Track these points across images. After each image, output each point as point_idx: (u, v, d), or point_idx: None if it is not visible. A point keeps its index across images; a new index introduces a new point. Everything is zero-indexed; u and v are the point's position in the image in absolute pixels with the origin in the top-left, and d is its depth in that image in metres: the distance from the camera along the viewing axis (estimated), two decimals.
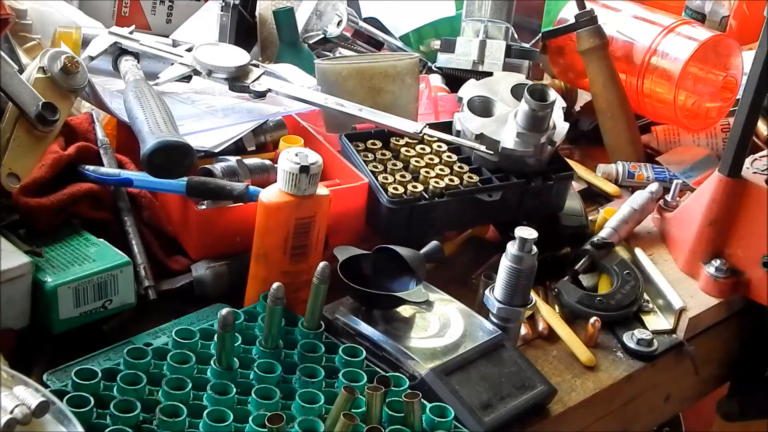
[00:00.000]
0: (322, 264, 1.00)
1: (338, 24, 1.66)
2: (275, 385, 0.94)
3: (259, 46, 1.63)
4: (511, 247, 1.07)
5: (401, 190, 1.19)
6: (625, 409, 1.19)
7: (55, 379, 0.94)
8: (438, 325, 1.07)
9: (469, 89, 1.30)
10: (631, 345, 1.18)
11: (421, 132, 1.23)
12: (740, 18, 1.92)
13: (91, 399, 0.86)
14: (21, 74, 1.07)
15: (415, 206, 1.19)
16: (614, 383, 1.14)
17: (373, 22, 1.75)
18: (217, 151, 1.21)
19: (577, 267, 1.27)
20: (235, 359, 0.95)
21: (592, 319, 1.18)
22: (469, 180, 1.24)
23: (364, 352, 1.01)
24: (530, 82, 1.31)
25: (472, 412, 0.97)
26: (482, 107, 1.28)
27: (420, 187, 1.20)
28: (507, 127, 1.25)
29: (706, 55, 1.58)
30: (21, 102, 1.02)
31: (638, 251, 1.32)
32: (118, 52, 1.32)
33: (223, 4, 1.55)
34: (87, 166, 1.14)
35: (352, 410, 0.88)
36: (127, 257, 1.04)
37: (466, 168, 1.26)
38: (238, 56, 1.31)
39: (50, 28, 1.35)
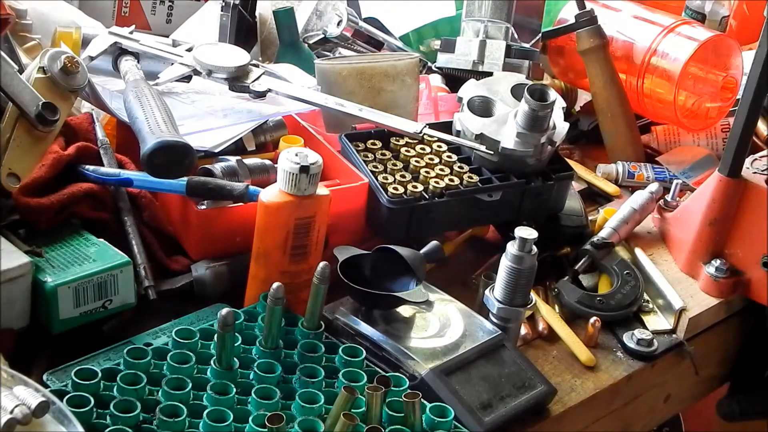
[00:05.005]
0: (322, 264, 1.00)
1: (338, 24, 1.66)
2: (275, 385, 0.94)
3: (259, 46, 1.63)
4: (511, 247, 1.07)
5: (401, 190, 1.19)
6: (625, 409, 1.19)
7: (55, 379, 0.94)
8: (438, 325, 1.07)
9: (469, 89, 1.30)
10: (631, 345, 1.18)
11: (421, 132, 1.23)
12: (740, 18, 1.92)
13: (91, 399, 0.86)
14: (21, 74, 1.07)
15: (415, 206, 1.19)
16: (614, 383, 1.14)
17: (373, 22, 1.75)
18: (217, 151, 1.21)
19: (577, 267, 1.27)
20: (235, 359, 0.95)
21: (592, 319, 1.18)
22: (469, 180, 1.24)
23: (364, 352, 1.01)
24: (530, 82, 1.31)
25: (472, 412, 0.97)
26: (482, 107, 1.28)
27: (420, 187, 1.20)
28: (507, 127, 1.25)
29: (706, 55, 1.58)
30: (21, 102, 1.02)
31: (638, 251, 1.32)
32: (118, 52, 1.32)
33: (223, 4, 1.54)
34: (87, 166, 1.14)
35: (352, 410, 0.88)
36: (127, 257, 1.04)
37: (466, 168, 1.26)
38: (238, 56, 1.31)
39: (50, 28, 1.35)
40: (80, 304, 1.00)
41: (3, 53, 1.05)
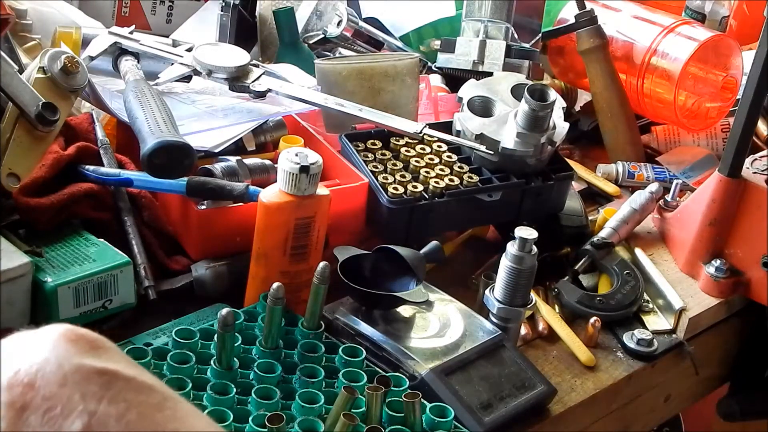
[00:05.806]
0: (322, 264, 1.00)
1: (338, 24, 1.66)
2: (275, 385, 0.94)
3: (259, 46, 1.63)
4: (511, 247, 1.07)
5: (401, 190, 1.19)
6: (625, 409, 1.19)
7: None
8: (438, 325, 1.07)
9: (469, 89, 1.30)
10: (631, 345, 1.18)
11: (421, 132, 1.23)
12: (740, 18, 1.92)
13: None
14: (21, 74, 1.07)
15: (415, 206, 1.19)
16: (614, 383, 1.14)
17: (373, 22, 1.75)
18: (217, 151, 1.21)
19: (577, 267, 1.27)
20: (235, 359, 0.95)
21: (592, 319, 1.18)
22: (469, 180, 1.24)
23: (364, 352, 1.01)
24: (530, 82, 1.31)
25: (472, 412, 0.97)
26: (482, 107, 1.28)
27: (420, 187, 1.20)
28: (507, 127, 1.25)
29: (706, 55, 1.58)
30: (21, 102, 1.02)
31: (638, 251, 1.32)
32: (118, 52, 1.32)
33: (223, 4, 1.54)
34: (87, 166, 1.14)
35: (352, 410, 0.88)
36: (127, 257, 1.04)
37: (466, 168, 1.26)
38: (238, 56, 1.31)
39: (50, 28, 1.35)
40: (80, 304, 1.00)
41: (3, 53, 1.05)
